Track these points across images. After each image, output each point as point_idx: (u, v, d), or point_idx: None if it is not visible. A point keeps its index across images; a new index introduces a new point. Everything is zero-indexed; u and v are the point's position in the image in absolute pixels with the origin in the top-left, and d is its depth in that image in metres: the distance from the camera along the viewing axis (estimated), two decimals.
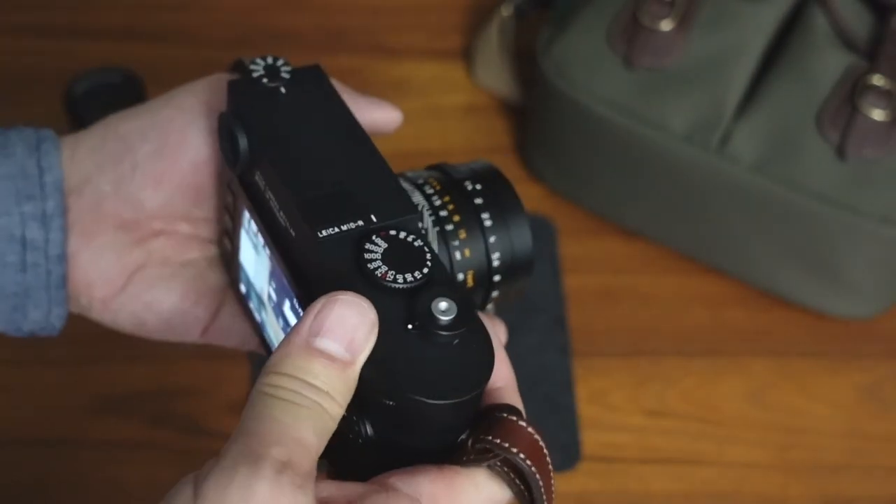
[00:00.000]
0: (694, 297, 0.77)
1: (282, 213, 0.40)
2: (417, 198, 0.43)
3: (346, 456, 0.37)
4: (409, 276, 0.37)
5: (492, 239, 0.43)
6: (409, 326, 0.36)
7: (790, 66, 0.72)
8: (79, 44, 0.88)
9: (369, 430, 0.36)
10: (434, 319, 0.35)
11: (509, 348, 0.75)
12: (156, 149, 0.45)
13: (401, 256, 0.37)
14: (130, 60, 0.81)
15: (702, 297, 0.77)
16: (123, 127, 0.45)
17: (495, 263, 0.44)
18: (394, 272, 0.37)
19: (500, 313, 0.76)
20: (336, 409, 0.34)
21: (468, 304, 0.36)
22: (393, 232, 0.38)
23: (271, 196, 0.41)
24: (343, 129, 0.43)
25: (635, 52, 0.73)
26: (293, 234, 0.39)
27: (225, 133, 0.42)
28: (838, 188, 0.70)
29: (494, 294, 0.44)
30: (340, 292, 0.35)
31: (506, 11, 0.83)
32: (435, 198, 0.43)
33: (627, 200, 0.77)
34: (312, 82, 0.44)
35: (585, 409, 0.72)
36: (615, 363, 0.75)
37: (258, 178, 0.41)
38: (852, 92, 0.70)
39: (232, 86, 0.43)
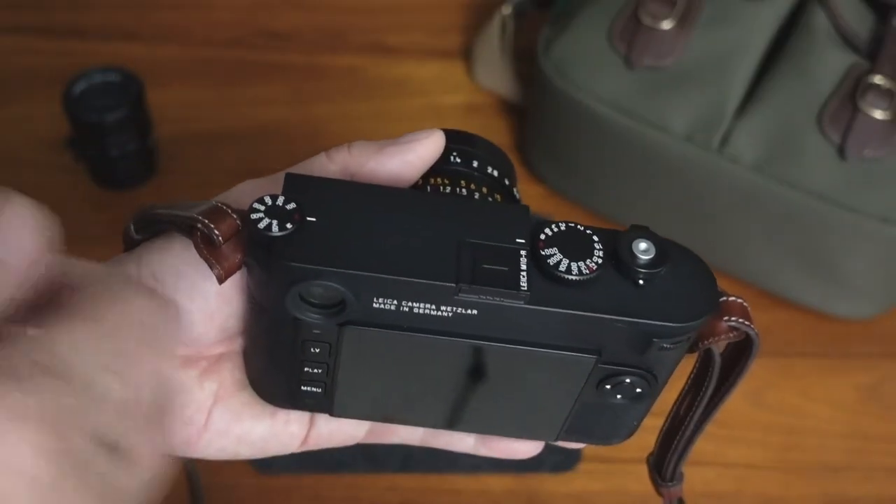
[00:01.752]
0: None
1: (441, 308, 0.37)
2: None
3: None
4: (588, 265, 0.38)
5: (475, 163, 0.43)
6: (639, 281, 0.38)
7: (791, 65, 0.72)
8: (79, 44, 0.88)
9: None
10: (638, 261, 0.39)
11: None
12: (192, 283, 0.39)
13: (573, 248, 0.38)
14: (130, 60, 0.81)
15: None
16: (156, 266, 0.40)
17: (495, 174, 0.44)
18: (575, 264, 0.38)
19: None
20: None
21: (651, 234, 0.41)
22: (542, 236, 0.38)
23: (413, 305, 0.37)
24: (378, 200, 0.38)
25: (636, 51, 0.73)
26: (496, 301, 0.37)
27: (300, 302, 0.37)
28: (839, 188, 0.70)
29: (516, 191, 0.45)
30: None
31: (506, 11, 0.83)
32: (459, 189, 0.42)
33: (627, 200, 0.77)
34: (313, 189, 0.38)
35: None
36: None
37: (378, 304, 0.37)
38: (853, 92, 0.70)
39: (262, 257, 0.37)
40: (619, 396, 0.43)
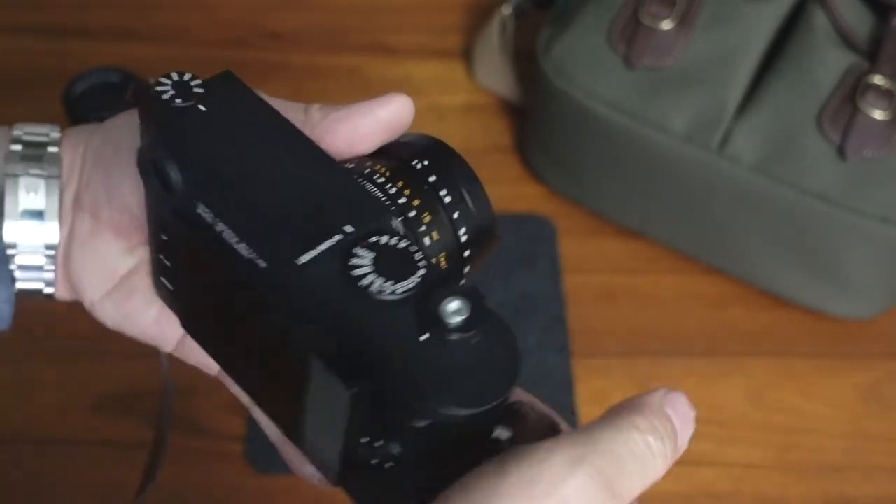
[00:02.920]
0: (694, 297, 0.77)
1: (243, 245, 0.36)
2: (371, 190, 0.39)
3: (371, 484, 0.34)
4: (407, 284, 0.34)
5: (455, 214, 0.40)
6: (422, 338, 0.33)
7: (791, 65, 0.72)
8: (79, 44, 0.88)
9: (398, 450, 0.34)
10: (447, 323, 0.33)
11: None
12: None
13: (391, 264, 0.34)
14: (130, 60, 0.81)
15: (702, 297, 0.77)
16: (115, 133, 0.43)
17: (463, 239, 0.40)
18: (391, 283, 0.34)
19: (500, 312, 0.76)
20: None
21: (477, 296, 0.33)
22: (374, 238, 0.35)
23: (224, 227, 0.36)
24: (280, 137, 0.38)
25: (636, 51, 0.73)
26: (263, 265, 0.35)
27: (149, 168, 0.37)
28: (839, 188, 0.70)
29: (467, 269, 0.41)
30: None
31: (506, 11, 0.83)
32: (389, 186, 0.39)
33: (627, 200, 0.77)
34: (229, 92, 0.39)
35: (585, 409, 0.72)
36: (615, 363, 0.75)
37: (202, 210, 0.36)
38: (853, 92, 0.70)
39: (143, 114, 0.38)
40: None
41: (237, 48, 0.89)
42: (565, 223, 0.80)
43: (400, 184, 0.39)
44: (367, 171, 0.40)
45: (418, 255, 0.35)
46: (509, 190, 0.81)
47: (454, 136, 0.85)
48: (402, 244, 0.35)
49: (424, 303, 0.33)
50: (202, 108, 0.38)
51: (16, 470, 0.67)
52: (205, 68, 0.96)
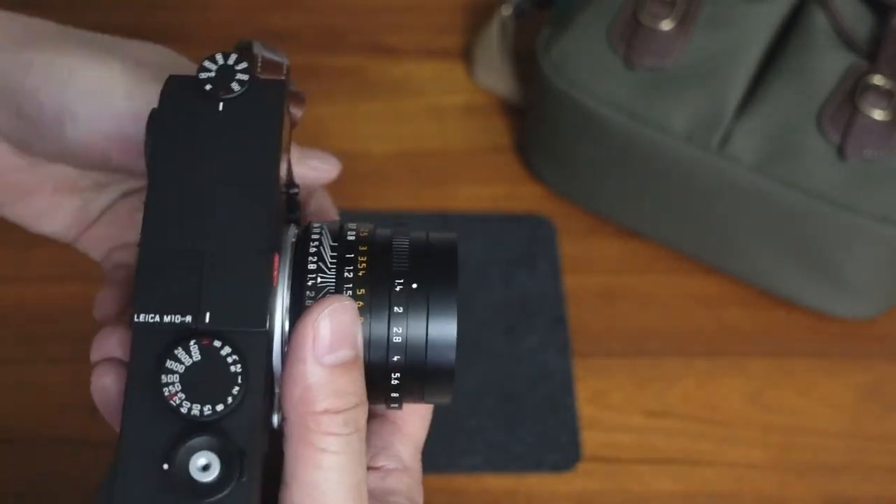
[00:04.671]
0: (694, 297, 0.77)
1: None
2: (327, 277, 0.36)
3: None
4: (198, 409, 0.31)
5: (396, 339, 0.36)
6: (165, 467, 0.31)
7: (790, 65, 0.72)
8: None
9: None
10: (189, 475, 0.30)
11: (510, 348, 0.76)
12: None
13: (205, 379, 0.31)
14: None
15: (702, 297, 0.77)
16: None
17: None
18: (184, 396, 0.31)
19: (500, 312, 0.76)
20: (365, 409, 0.35)
21: (238, 461, 0.31)
22: (217, 343, 0.32)
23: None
24: (254, 174, 0.35)
25: (635, 52, 0.73)
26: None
27: (148, 128, 0.37)
28: (838, 188, 0.70)
29: (394, 396, 0.38)
30: (318, 306, 0.33)
31: (506, 11, 0.83)
32: (347, 287, 0.36)
33: (627, 200, 0.77)
34: (260, 103, 0.36)
35: (585, 409, 0.72)
36: (615, 363, 0.75)
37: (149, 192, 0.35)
38: (853, 92, 0.70)
39: (170, 82, 0.37)
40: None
41: None
42: (565, 223, 0.80)
43: (361, 291, 0.36)
44: (350, 255, 0.37)
45: (237, 390, 0.32)
46: (509, 190, 0.81)
47: (454, 136, 0.86)
48: (236, 368, 0.32)
49: (173, 452, 0.30)
50: (221, 106, 0.36)
51: (16, 470, 0.67)
52: None
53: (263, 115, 0.36)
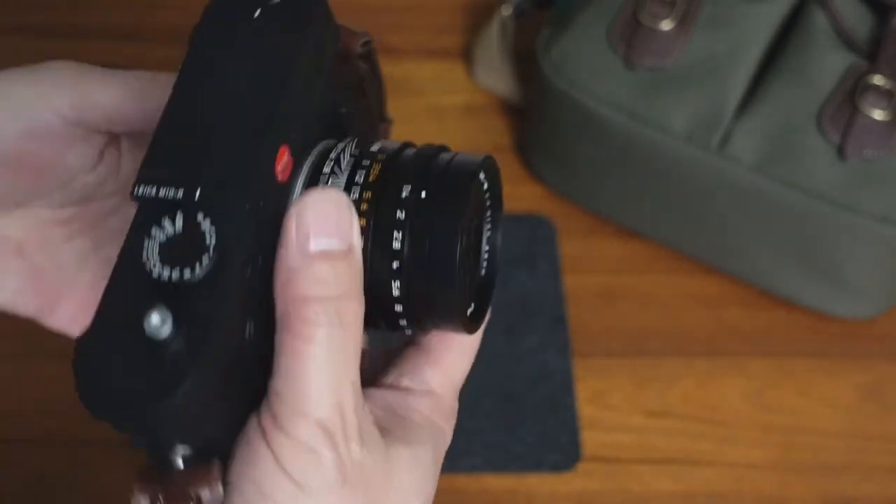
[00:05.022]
0: (694, 297, 0.77)
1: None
2: (338, 180, 0.37)
3: None
4: (168, 272, 0.32)
5: (395, 265, 0.36)
6: (128, 323, 0.32)
7: (790, 66, 0.72)
8: (79, 44, 0.88)
9: None
10: (144, 331, 0.31)
11: (510, 348, 0.76)
12: None
13: (182, 248, 0.32)
14: (130, 60, 0.81)
15: (702, 297, 0.77)
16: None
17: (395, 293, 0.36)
18: (157, 260, 0.32)
19: (500, 312, 0.76)
20: (358, 304, 0.34)
21: (198, 329, 0.31)
22: (200, 216, 0.32)
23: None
24: (274, 72, 0.36)
25: (635, 52, 0.73)
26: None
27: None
28: (838, 188, 0.70)
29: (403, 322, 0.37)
30: (305, 194, 0.34)
31: (506, 11, 0.83)
32: (355, 189, 0.36)
33: (627, 200, 0.77)
34: (297, 10, 0.37)
35: (585, 409, 0.72)
36: (615, 363, 0.75)
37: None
38: (853, 92, 0.70)
39: None
40: None
41: None
42: (565, 223, 0.80)
43: (367, 194, 0.36)
44: (365, 163, 0.37)
45: (209, 257, 0.32)
46: (509, 190, 0.80)
47: (454, 136, 0.86)
48: (211, 239, 0.32)
49: (136, 309, 0.31)
50: (258, 13, 0.37)
51: (16, 470, 0.67)
52: None
53: (296, 19, 0.37)
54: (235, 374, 0.33)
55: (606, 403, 0.73)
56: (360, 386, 0.35)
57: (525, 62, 0.84)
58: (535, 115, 0.80)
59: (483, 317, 0.40)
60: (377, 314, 0.37)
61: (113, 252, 0.35)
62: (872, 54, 0.71)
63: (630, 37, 0.73)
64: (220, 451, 0.34)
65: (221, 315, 0.32)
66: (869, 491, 0.70)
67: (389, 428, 0.37)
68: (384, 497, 0.35)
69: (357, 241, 0.34)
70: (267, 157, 0.34)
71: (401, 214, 0.35)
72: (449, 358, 0.40)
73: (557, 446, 0.70)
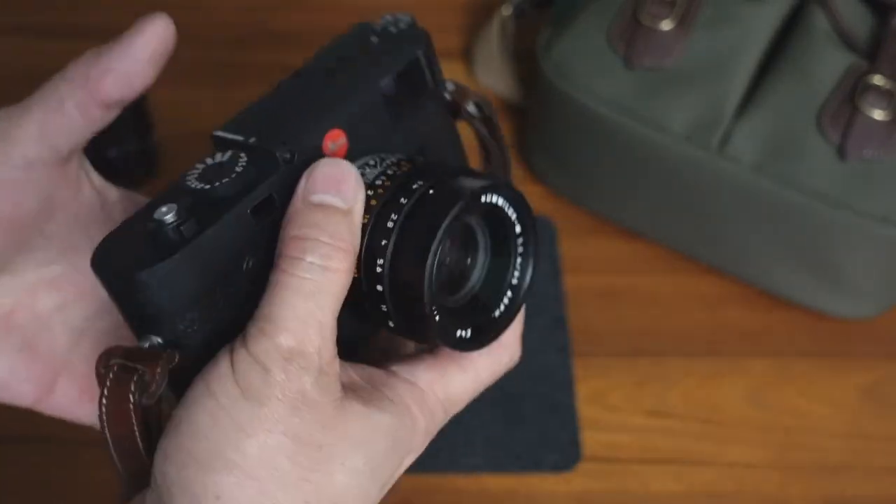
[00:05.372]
0: (694, 297, 0.77)
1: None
2: (373, 169, 0.40)
3: None
4: (196, 183, 0.37)
5: (383, 242, 0.39)
6: (150, 218, 0.36)
7: (790, 66, 0.72)
8: (79, 44, 0.87)
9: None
10: (154, 219, 0.35)
11: None
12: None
13: (218, 172, 0.37)
14: None
15: (702, 297, 0.77)
16: None
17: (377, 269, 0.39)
18: (194, 176, 0.37)
19: None
20: (345, 257, 0.37)
21: (208, 220, 0.36)
22: (242, 154, 0.38)
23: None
24: (355, 75, 0.42)
25: (635, 52, 0.73)
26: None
27: None
28: (838, 188, 0.70)
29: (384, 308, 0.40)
30: (322, 160, 0.38)
31: (506, 11, 0.83)
32: (376, 182, 0.40)
33: (627, 200, 0.77)
34: (405, 36, 0.44)
35: (585, 409, 0.72)
36: (615, 363, 0.75)
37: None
38: (853, 92, 0.70)
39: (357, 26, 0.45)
40: None
41: (237, 48, 0.89)
42: (565, 223, 0.80)
43: (387, 183, 0.39)
44: (396, 160, 0.40)
45: (238, 171, 0.37)
46: None
47: None
48: (241, 166, 0.37)
49: (156, 206, 0.36)
50: (374, 39, 0.44)
51: (16, 469, 0.67)
52: (205, 68, 0.96)
53: (397, 45, 0.43)
54: (220, 288, 0.37)
55: (606, 403, 0.73)
56: (331, 333, 0.37)
57: (525, 62, 0.84)
58: (535, 115, 0.80)
59: (478, 346, 0.41)
60: (369, 307, 0.39)
61: (106, 323, 0.40)
62: (872, 54, 0.71)
63: (630, 37, 0.73)
64: (193, 362, 0.37)
65: (222, 225, 0.36)
66: (869, 491, 0.70)
67: (356, 390, 0.39)
68: (323, 437, 0.36)
69: (357, 208, 0.38)
70: (317, 130, 0.39)
71: (403, 200, 0.38)
72: (449, 367, 0.42)
73: (557, 446, 0.70)
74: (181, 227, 0.35)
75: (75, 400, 0.44)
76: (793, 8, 0.74)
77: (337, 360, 0.37)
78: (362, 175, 0.39)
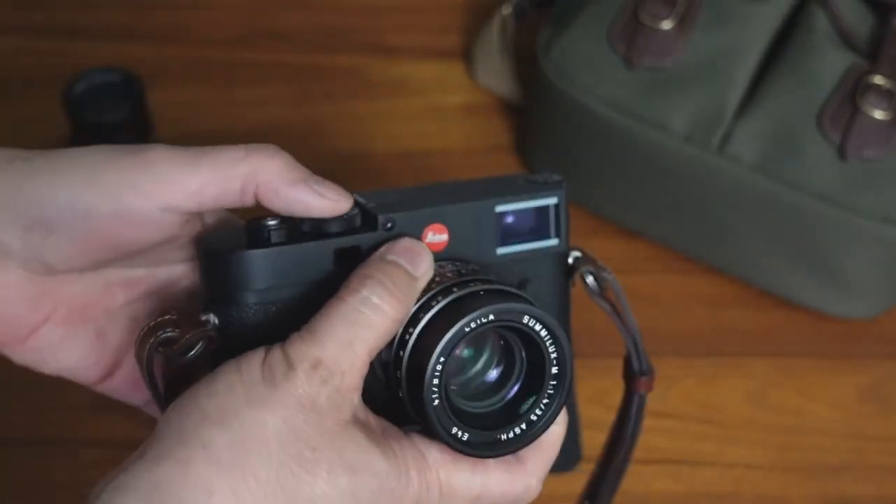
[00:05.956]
0: (694, 297, 0.77)
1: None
2: (449, 265, 0.45)
3: None
4: (273, 223, 0.43)
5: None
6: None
7: (791, 66, 0.72)
8: (79, 44, 0.88)
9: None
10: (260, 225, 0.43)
11: None
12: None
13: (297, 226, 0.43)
14: (130, 60, 0.81)
15: (702, 297, 0.77)
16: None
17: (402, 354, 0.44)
18: (276, 224, 0.43)
19: None
20: (399, 307, 0.41)
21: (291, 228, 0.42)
22: (356, 211, 0.44)
23: None
24: (485, 191, 0.47)
25: (636, 51, 0.73)
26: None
27: None
28: (839, 188, 0.70)
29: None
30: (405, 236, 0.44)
31: (506, 11, 0.83)
32: (439, 273, 0.44)
33: (628, 200, 0.77)
34: (539, 181, 0.50)
35: (585, 409, 0.72)
36: (615, 363, 0.74)
37: None
38: (853, 92, 0.70)
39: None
40: None
41: (237, 48, 0.89)
42: None
43: (438, 279, 0.44)
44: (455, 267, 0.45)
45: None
46: None
47: (454, 136, 0.86)
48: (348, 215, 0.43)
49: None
50: (521, 182, 0.49)
51: (16, 470, 0.67)
52: (205, 68, 0.96)
53: (539, 188, 0.49)
54: (282, 296, 0.43)
55: (607, 403, 0.73)
56: (360, 368, 0.40)
57: (525, 62, 0.84)
58: (535, 115, 0.80)
59: (469, 453, 0.43)
60: (391, 370, 0.44)
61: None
62: (873, 54, 0.71)
63: (630, 37, 0.73)
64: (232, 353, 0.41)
65: (302, 248, 0.43)
66: (869, 491, 0.70)
67: (367, 428, 0.41)
68: (319, 442, 0.39)
69: (422, 281, 0.43)
70: (423, 218, 0.45)
71: (439, 300, 0.43)
72: (462, 461, 0.43)
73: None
74: (271, 234, 0.42)
75: (130, 384, 0.48)
76: (793, 8, 0.73)
77: (358, 394, 0.41)
78: (440, 267, 0.44)
